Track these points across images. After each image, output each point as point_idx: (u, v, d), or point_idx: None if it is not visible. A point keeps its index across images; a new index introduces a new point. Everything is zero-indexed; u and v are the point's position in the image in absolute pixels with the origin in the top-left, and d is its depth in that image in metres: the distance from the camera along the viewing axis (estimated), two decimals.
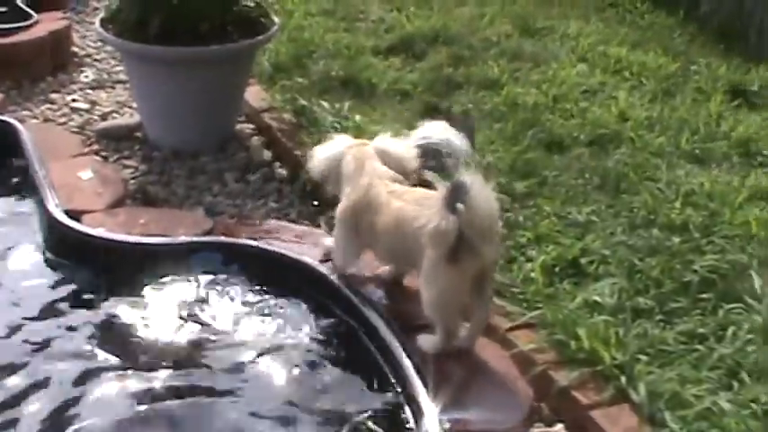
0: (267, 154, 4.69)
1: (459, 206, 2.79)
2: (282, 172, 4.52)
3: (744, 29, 6.28)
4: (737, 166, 4.51)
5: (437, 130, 3.41)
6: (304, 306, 3.41)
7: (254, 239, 3.72)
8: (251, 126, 4.96)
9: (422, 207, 2.97)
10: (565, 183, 4.21)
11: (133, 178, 4.45)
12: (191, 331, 3.29)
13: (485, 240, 2.86)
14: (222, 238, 3.74)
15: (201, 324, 3.33)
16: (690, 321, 3.30)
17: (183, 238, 3.69)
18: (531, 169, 4.26)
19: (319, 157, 3.49)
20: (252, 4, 4.78)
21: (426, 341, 3.09)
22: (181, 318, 3.35)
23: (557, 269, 3.55)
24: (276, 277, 3.49)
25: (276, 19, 4.84)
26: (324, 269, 3.50)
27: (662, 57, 5.81)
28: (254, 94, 5.10)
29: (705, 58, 5.88)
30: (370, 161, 3.33)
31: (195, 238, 3.69)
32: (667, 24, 6.57)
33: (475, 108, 4.93)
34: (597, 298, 3.35)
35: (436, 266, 2.92)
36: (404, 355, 3.02)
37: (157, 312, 3.37)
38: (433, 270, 2.95)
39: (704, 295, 3.44)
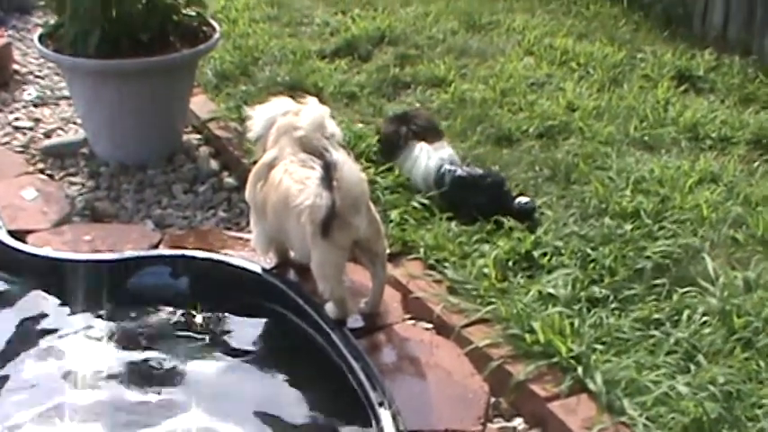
0: (215, 164, 4.65)
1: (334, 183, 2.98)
2: (231, 181, 4.49)
3: (687, 15, 6.32)
4: (686, 151, 4.53)
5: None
6: (256, 315, 3.40)
7: (204, 250, 3.68)
8: (198, 136, 4.93)
9: (304, 186, 3.13)
10: (516, 176, 4.21)
11: (80, 195, 4.39)
12: (143, 345, 3.26)
13: (354, 213, 3.05)
14: (168, 251, 3.70)
15: (151, 340, 3.29)
16: (645, 308, 3.31)
17: (129, 253, 3.64)
18: (482, 164, 4.23)
19: (256, 118, 3.56)
20: (193, 14, 4.74)
21: (329, 309, 3.26)
22: (132, 332, 3.31)
23: (510, 263, 3.55)
24: (225, 287, 3.45)
25: (218, 27, 4.80)
26: (273, 277, 3.47)
27: (608, 46, 5.82)
28: (200, 104, 5.06)
29: (650, 46, 5.91)
30: (284, 138, 3.39)
31: (142, 253, 3.63)
32: (612, 14, 6.59)
33: (423, 107, 4.91)
34: (551, 290, 3.35)
35: (314, 240, 3.10)
36: (357, 359, 3.00)
37: (105, 331, 3.33)
38: (312, 244, 3.13)
39: (658, 281, 3.45)
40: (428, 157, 4.06)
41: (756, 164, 4.42)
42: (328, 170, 2.99)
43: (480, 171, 4.03)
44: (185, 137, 4.87)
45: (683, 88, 5.28)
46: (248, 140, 3.90)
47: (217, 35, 4.73)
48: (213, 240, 3.87)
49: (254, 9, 6.57)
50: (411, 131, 4.17)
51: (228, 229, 4.11)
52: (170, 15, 4.63)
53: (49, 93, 5.58)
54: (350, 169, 3.02)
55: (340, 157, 3.01)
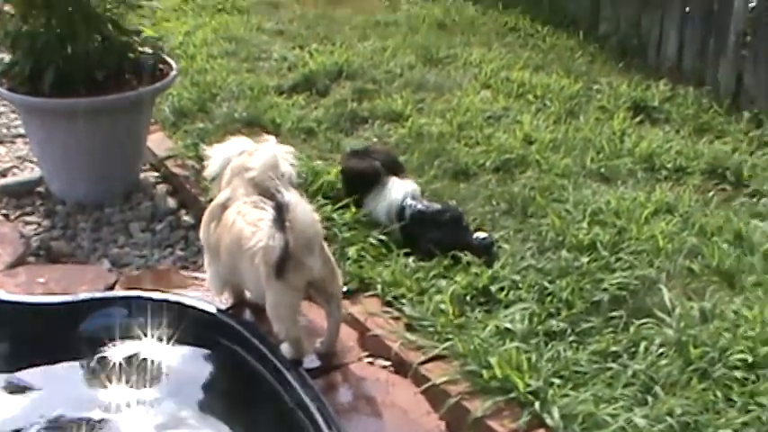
0: (172, 202, 4.63)
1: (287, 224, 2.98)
2: (188, 219, 4.47)
3: (642, 46, 6.41)
4: (642, 182, 4.58)
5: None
6: (210, 355, 3.38)
7: (159, 291, 3.65)
8: (155, 174, 4.90)
9: (257, 228, 3.12)
10: (473, 210, 4.22)
11: (36, 235, 4.35)
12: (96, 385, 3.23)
13: (307, 253, 3.04)
14: (122, 292, 3.67)
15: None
16: (602, 340, 3.31)
17: (83, 295, 3.61)
18: (439, 199, 4.24)
19: (214, 157, 3.56)
20: (150, 51, 4.73)
21: (285, 350, 3.25)
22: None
23: (468, 298, 3.55)
24: (182, 328, 3.42)
25: (175, 64, 4.79)
26: (229, 317, 3.45)
27: (564, 78, 5.88)
28: (158, 142, 5.04)
29: (606, 77, 5.97)
30: (237, 178, 3.40)
31: (97, 294, 3.61)
32: (568, 46, 6.66)
33: (380, 141, 4.93)
34: (509, 324, 3.35)
35: (268, 282, 3.10)
36: (312, 399, 2.98)
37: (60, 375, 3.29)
38: (266, 285, 3.12)
39: (615, 313, 3.46)
40: (396, 191, 4.07)
41: (711, 193, 4.48)
42: (280, 211, 2.99)
43: (439, 206, 4.04)
44: (143, 175, 4.85)
45: (638, 119, 5.34)
46: (205, 179, 3.88)
47: (174, 72, 4.72)
48: (170, 280, 3.83)
49: (212, 45, 6.56)
50: (385, 166, 4.18)
51: (185, 267, 4.09)
52: (126, 53, 4.61)
53: (4, 131, 5.54)
54: (303, 210, 3.02)
55: (292, 197, 3.00)
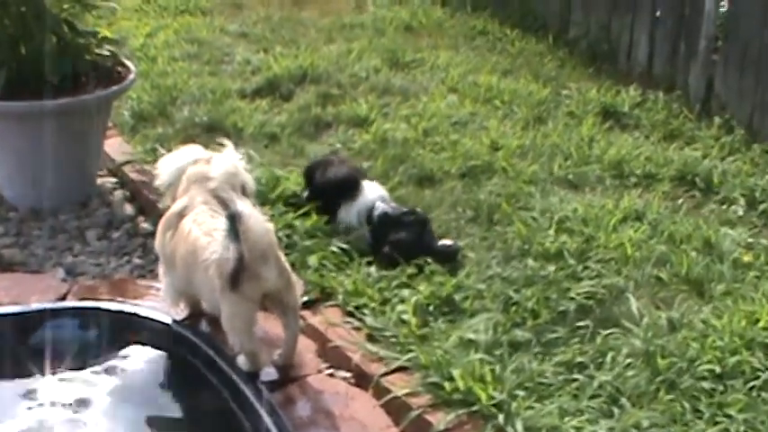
0: (130, 208, 4.57)
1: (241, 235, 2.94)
2: (147, 226, 4.40)
3: (612, 51, 6.42)
4: (611, 189, 4.58)
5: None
6: (165, 367, 3.33)
7: (115, 301, 3.61)
8: (113, 180, 4.83)
9: (212, 239, 3.09)
10: (438, 218, 4.19)
11: None
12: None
13: (262, 264, 3.02)
14: (72, 303, 3.62)
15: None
16: (568, 351, 3.30)
17: (35, 306, 3.55)
18: (403, 206, 4.19)
19: (166, 168, 3.51)
20: (107, 53, 4.67)
21: (241, 362, 3.22)
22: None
23: (431, 308, 3.52)
24: (135, 339, 3.37)
25: (133, 67, 4.73)
26: (184, 329, 3.41)
27: (533, 83, 5.89)
28: (115, 147, 4.99)
29: (576, 83, 5.98)
30: (195, 186, 3.36)
31: (48, 305, 3.55)
32: (537, 50, 6.66)
33: (344, 147, 4.89)
34: (472, 335, 3.32)
35: (222, 293, 3.06)
36: (269, 413, 2.96)
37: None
38: (221, 297, 3.08)
39: (582, 323, 3.45)
40: (369, 194, 4.08)
41: (680, 200, 4.49)
42: (233, 221, 2.95)
43: (404, 209, 4.03)
44: (100, 180, 4.79)
45: (607, 125, 5.35)
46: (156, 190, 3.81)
47: (132, 76, 4.66)
48: (126, 290, 3.78)
49: (174, 47, 6.52)
50: (358, 171, 4.22)
51: (143, 276, 4.03)
52: (82, 55, 4.55)
53: None
54: (255, 221, 2.98)
55: (245, 208, 2.97)
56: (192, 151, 3.53)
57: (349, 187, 4.13)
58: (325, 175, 4.23)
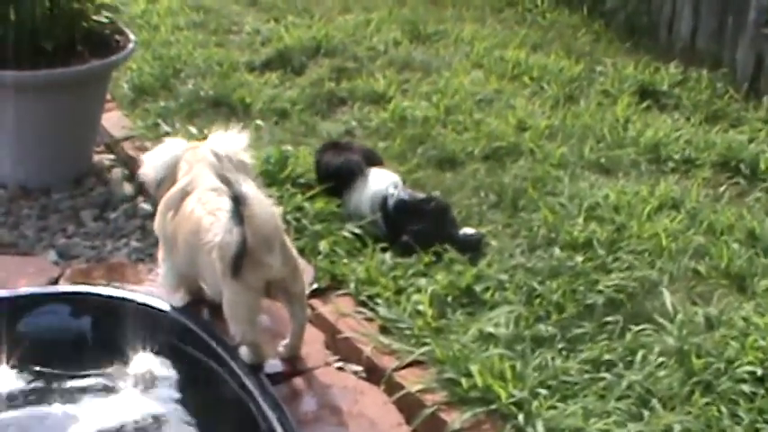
0: (129, 188, 4.60)
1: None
2: (146, 207, 4.43)
3: (652, 25, 6.41)
4: (646, 174, 4.58)
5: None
6: (163, 352, 3.37)
7: (110, 285, 3.64)
8: (111, 157, 4.86)
9: (215, 219, 3.12)
10: (458, 203, 4.21)
11: None
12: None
13: (266, 251, 3.02)
14: (65, 288, 3.65)
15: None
16: (595, 348, 3.31)
17: (23, 290, 3.59)
18: (421, 190, 4.23)
19: (153, 162, 3.52)
20: (105, 20, 4.69)
21: (243, 354, 3.24)
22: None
23: (449, 299, 3.54)
24: (132, 327, 3.41)
25: (133, 36, 4.75)
26: (180, 314, 3.46)
27: (564, 59, 5.89)
28: (114, 121, 5.02)
29: (611, 58, 5.98)
30: (199, 164, 3.39)
31: (36, 290, 3.58)
32: (571, 23, 6.67)
33: (359, 125, 4.91)
34: (492, 329, 3.34)
35: (224, 279, 3.07)
36: (272, 408, 2.97)
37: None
38: (222, 283, 3.10)
39: (610, 318, 3.47)
40: (378, 181, 4.09)
41: (722, 188, 4.50)
42: (237, 203, 2.97)
43: (423, 195, 4.05)
44: (96, 157, 4.81)
45: (645, 105, 5.35)
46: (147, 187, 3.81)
47: (131, 45, 4.68)
48: (123, 274, 3.81)
49: (178, 14, 6.56)
50: (367, 158, 4.22)
51: (141, 260, 4.06)
52: (78, 22, 4.57)
53: None
54: (260, 204, 2.99)
55: (249, 190, 2.98)
56: (175, 144, 3.56)
57: (352, 177, 4.16)
58: (331, 161, 4.27)
